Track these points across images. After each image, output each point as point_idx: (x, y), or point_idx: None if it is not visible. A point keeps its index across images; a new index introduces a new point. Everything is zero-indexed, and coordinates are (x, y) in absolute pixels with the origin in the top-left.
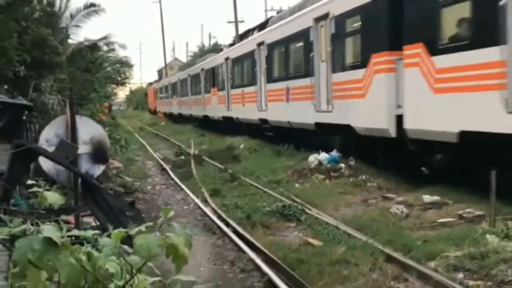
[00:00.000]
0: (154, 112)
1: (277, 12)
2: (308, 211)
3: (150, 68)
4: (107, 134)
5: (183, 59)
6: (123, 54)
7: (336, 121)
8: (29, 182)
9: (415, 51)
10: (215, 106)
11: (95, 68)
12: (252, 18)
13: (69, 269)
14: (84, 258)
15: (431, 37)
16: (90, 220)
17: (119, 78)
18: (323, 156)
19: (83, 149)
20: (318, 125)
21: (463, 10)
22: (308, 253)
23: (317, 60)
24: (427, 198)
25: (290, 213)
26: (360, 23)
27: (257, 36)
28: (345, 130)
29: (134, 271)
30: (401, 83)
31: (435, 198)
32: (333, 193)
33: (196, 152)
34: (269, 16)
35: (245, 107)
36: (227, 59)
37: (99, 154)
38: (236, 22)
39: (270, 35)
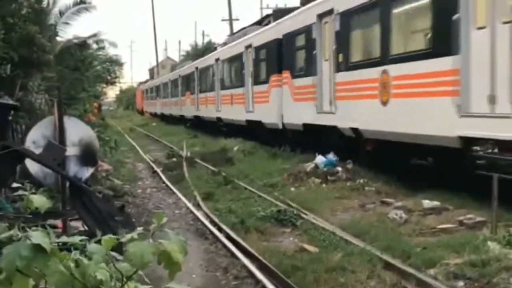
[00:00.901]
0: (141, 112)
1: (273, 11)
2: (304, 216)
3: (141, 67)
4: (96, 136)
5: (176, 58)
6: (114, 53)
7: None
8: (15, 185)
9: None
10: (188, 107)
11: (84, 66)
12: (247, 16)
13: (58, 277)
14: (73, 265)
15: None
16: (78, 224)
17: (109, 77)
18: (320, 159)
19: (71, 151)
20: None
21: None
22: (303, 259)
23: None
24: (426, 203)
25: (285, 218)
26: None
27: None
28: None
29: (124, 279)
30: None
31: (435, 203)
32: (329, 197)
33: (188, 154)
34: (264, 14)
35: (208, 108)
36: (196, 68)
37: (88, 156)
38: (230, 20)
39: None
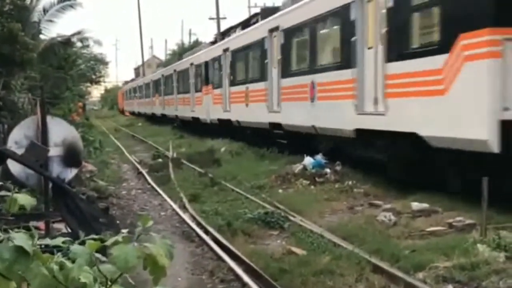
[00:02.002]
0: (122, 112)
1: (261, 10)
2: (291, 218)
3: (126, 66)
4: (80, 136)
5: (162, 56)
6: (98, 51)
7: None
8: None
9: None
10: (157, 107)
11: (68, 65)
12: (235, 14)
13: (40, 280)
14: (56, 268)
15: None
16: (61, 226)
17: (93, 76)
18: (308, 160)
19: (54, 151)
20: (270, 124)
21: None
22: (291, 262)
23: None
24: (415, 205)
25: (273, 220)
26: None
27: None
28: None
29: (109, 282)
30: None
31: (424, 205)
32: (318, 199)
33: (175, 155)
34: (252, 12)
35: (169, 107)
36: (162, 75)
37: (71, 157)
38: (218, 19)
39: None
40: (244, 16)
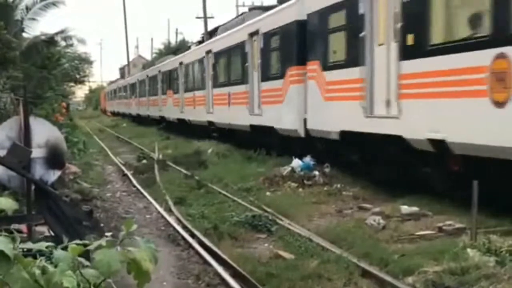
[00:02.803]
0: (104, 112)
1: (249, 9)
2: (279, 221)
3: (111, 65)
4: (63, 137)
5: (148, 56)
6: (83, 50)
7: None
8: None
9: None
10: (133, 107)
11: (51, 64)
12: (223, 14)
13: (22, 285)
14: (38, 272)
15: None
16: (43, 229)
17: (77, 76)
18: (296, 162)
19: (37, 153)
20: (252, 126)
21: None
22: (278, 266)
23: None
24: (405, 209)
25: (260, 224)
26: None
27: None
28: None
29: (92, 287)
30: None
31: (414, 209)
32: (306, 202)
33: (160, 156)
34: (240, 12)
35: (143, 107)
36: (138, 79)
37: (54, 158)
38: (205, 18)
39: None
40: (232, 15)
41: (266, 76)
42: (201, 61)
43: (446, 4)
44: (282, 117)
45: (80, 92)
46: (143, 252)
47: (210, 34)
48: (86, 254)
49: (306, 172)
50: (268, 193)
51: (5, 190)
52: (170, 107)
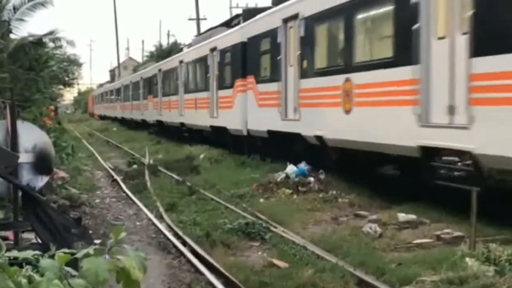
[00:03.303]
0: (92, 115)
1: (242, 11)
2: (273, 229)
3: (101, 67)
4: (51, 141)
5: (139, 58)
6: (72, 52)
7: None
8: None
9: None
10: (119, 110)
11: (39, 66)
12: (216, 15)
13: None
14: (24, 281)
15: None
16: (30, 236)
17: (66, 78)
18: (291, 168)
19: (24, 158)
20: (211, 127)
21: None
22: (272, 275)
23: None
24: (402, 216)
25: (253, 231)
26: None
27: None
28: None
29: None
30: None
31: (411, 216)
32: (301, 209)
33: (151, 161)
34: (234, 13)
35: (127, 111)
36: (123, 84)
37: (42, 163)
38: (197, 20)
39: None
40: (226, 17)
41: (221, 85)
42: (175, 69)
43: (323, 42)
44: (232, 119)
45: (69, 95)
46: (132, 261)
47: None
48: (74, 263)
49: (301, 178)
50: (261, 200)
51: None
52: (151, 110)
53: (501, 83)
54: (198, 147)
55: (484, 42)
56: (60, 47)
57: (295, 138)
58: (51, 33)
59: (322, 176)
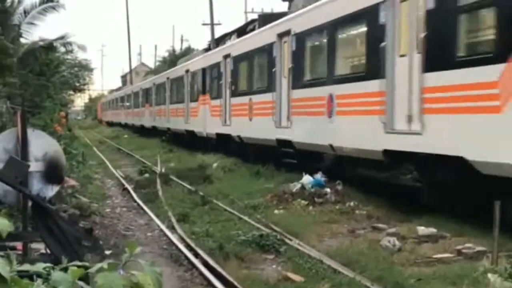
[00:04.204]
0: (100, 122)
1: (258, 16)
2: (288, 241)
3: (113, 73)
4: (62, 149)
5: (151, 64)
6: (83, 57)
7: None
8: None
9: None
10: (123, 117)
11: (50, 71)
12: (231, 20)
13: None
14: None
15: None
16: (39, 246)
17: (77, 84)
18: (307, 179)
19: (35, 166)
20: (186, 131)
21: None
22: None
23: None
24: (422, 230)
25: (268, 244)
26: None
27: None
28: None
29: None
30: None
31: (431, 230)
32: (317, 221)
33: (163, 170)
34: (249, 18)
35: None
36: (126, 94)
37: (53, 172)
38: (212, 25)
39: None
40: (241, 22)
41: (192, 99)
42: (163, 84)
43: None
44: (197, 124)
45: (80, 101)
46: (148, 277)
47: (218, 41)
48: (86, 277)
49: (317, 189)
50: (276, 211)
51: (0, 204)
52: (147, 117)
53: (446, 95)
54: (211, 156)
55: (432, 60)
56: (71, 51)
57: (232, 139)
58: (62, 37)
59: (339, 187)
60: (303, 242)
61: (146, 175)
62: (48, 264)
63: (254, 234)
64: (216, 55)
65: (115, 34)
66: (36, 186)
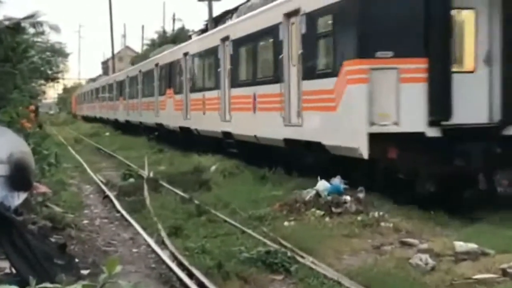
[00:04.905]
0: (75, 116)
1: None
2: (300, 259)
3: (92, 59)
4: (31, 149)
5: (137, 48)
6: (56, 40)
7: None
8: None
9: None
10: (97, 110)
11: (17, 57)
12: None
13: None
14: None
15: None
16: (4, 265)
17: (49, 71)
18: (322, 185)
19: None
20: (156, 124)
21: None
22: None
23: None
24: (460, 245)
25: (276, 262)
26: None
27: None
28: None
29: None
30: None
31: (471, 246)
32: (334, 235)
33: (151, 174)
34: None
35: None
36: (95, 87)
37: (19, 177)
38: (209, 0)
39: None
40: None
41: (160, 93)
42: (151, 71)
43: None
44: (164, 118)
45: (53, 92)
46: None
47: (217, 20)
48: None
49: (334, 197)
50: (286, 223)
51: None
52: (121, 110)
53: (312, 98)
54: (209, 157)
55: (305, 71)
56: (42, 33)
57: (190, 131)
58: (31, 16)
59: (361, 195)
60: (318, 260)
61: (131, 180)
62: (14, 287)
63: (259, 251)
64: (177, 52)
65: (95, 12)
66: None
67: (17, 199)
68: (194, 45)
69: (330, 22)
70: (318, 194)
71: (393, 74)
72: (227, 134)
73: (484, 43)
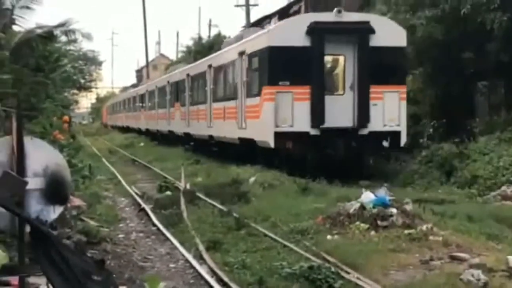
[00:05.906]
0: (105, 126)
1: None
2: (345, 275)
3: (126, 67)
4: (66, 161)
5: (172, 55)
6: (89, 48)
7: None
8: None
9: None
10: (124, 120)
11: (49, 66)
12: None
13: None
14: None
15: None
16: (40, 281)
17: (82, 80)
18: (367, 196)
19: (33, 183)
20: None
21: None
22: None
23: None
24: None
25: (319, 278)
26: None
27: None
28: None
29: None
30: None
31: None
32: (380, 250)
33: (188, 186)
34: None
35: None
36: (127, 97)
37: (55, 190)
38: (247, 6)
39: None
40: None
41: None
42: (156, 89)
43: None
44: (164, 126)
45: (85, 102)
46: None
47: (254, 26)
48: None
49: (380, 210)
50: (329, 237)
51: None
52: (143, 119)
53: (250, 110)
54: (247, 168)
55: (247, 91)
56: (75, 41)
57: (174, 134)
58: (63, 24)
59: (408, 207)
60: (364, 275)
61: (168, 192)
62: None
63: (302, 266)
64: (180, 74)
65: (128, 19)
66: (35, 207)
67: (53, 213)
68: (195, 67)
69: (257, 61)
70: (362, 207)
71: (289, 96)
72: (187, 135)
73: (350, 77)
